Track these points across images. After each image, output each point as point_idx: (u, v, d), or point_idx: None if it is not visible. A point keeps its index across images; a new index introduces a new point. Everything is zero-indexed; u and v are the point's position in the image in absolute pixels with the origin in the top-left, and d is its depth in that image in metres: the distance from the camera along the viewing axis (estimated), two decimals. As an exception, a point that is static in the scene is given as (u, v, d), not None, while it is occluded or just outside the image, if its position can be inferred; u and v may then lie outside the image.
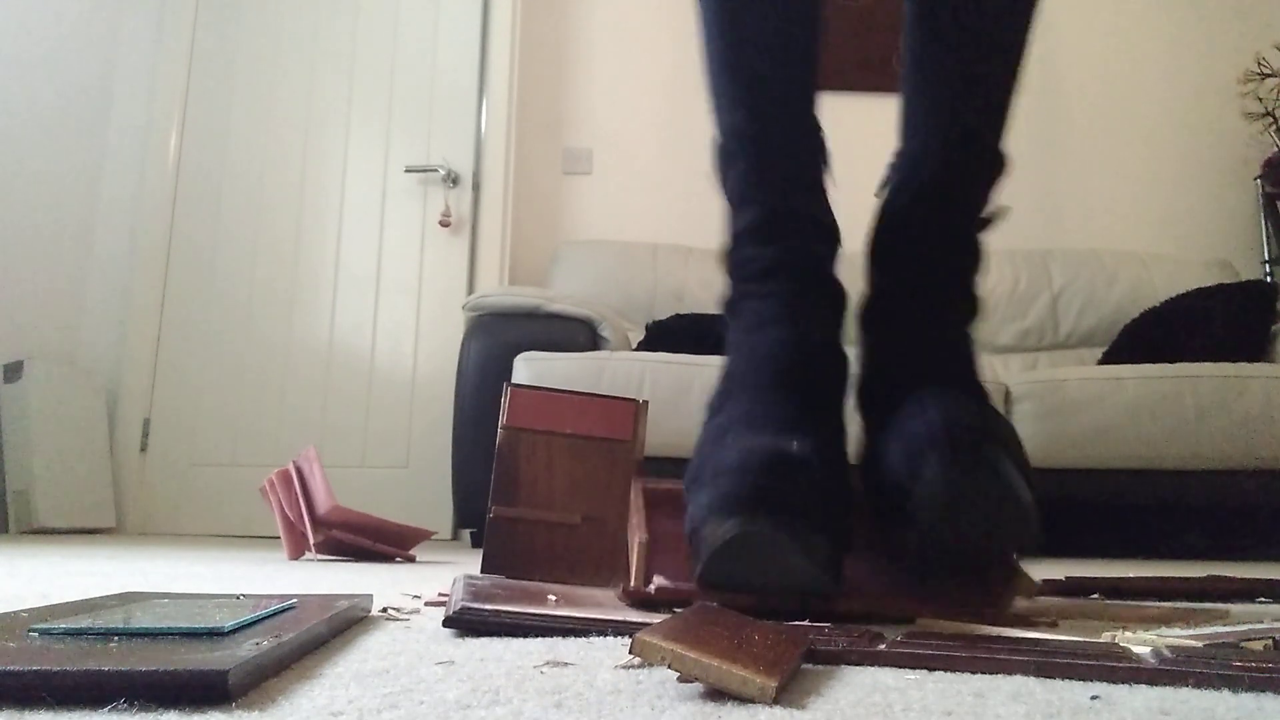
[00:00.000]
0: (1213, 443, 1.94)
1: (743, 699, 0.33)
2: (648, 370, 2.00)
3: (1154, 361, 2.11)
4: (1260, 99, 2.98)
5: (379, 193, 2.89)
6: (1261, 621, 0.57)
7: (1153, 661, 0.38)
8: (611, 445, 0.86)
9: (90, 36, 2.82)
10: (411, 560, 1.44)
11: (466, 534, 2.65)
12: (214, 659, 0.32)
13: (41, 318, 2.63)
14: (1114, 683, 0.37)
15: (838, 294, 0.72)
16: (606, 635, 0.50)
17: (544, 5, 3.09)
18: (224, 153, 2.92)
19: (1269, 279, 2.82)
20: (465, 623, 0.50)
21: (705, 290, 2.67)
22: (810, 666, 0.41)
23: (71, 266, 2.75)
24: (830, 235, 0.73)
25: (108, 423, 2.67)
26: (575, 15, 3.10)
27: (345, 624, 0.52)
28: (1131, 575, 0.92)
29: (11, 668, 0.30)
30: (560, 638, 0.49)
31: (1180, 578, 0.85)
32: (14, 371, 2.40)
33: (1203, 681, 0.36)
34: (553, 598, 0.59)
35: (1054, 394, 2.01)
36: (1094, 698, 0.34)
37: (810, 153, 0.73)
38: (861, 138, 2.88)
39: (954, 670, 0.40)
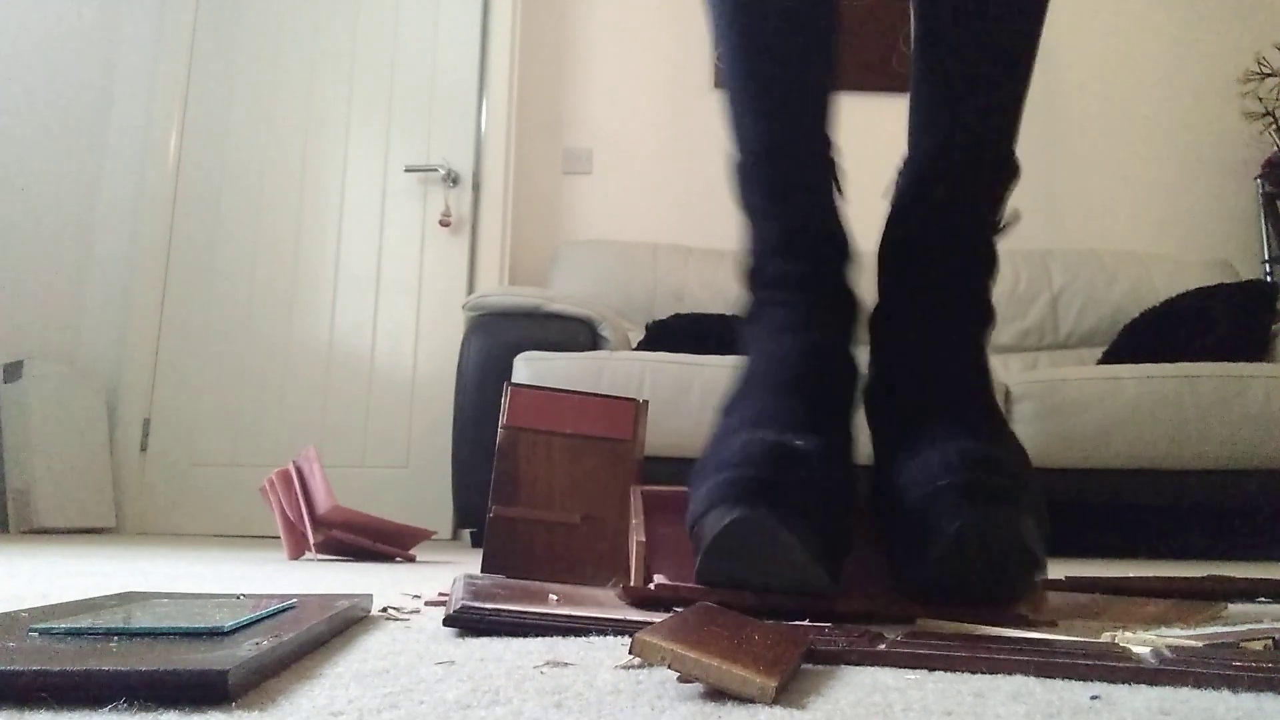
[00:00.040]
0: (1213, 443, 1.94)
1: (743, 699, 0.33)
2: (648, 370, 2.00)
3: (1154, 361, 2.10)
4: (1260, 99, 2.98)
5: (379, 192, 2.89)
6: (1261, 621, 0.57)
7: (1153, 661, 0.38)
8: (612, 445, 0.86)
9: (90, 36, 2.82)
10: (411, 560, 1.44)
11: (466, 534, 2.65)
12: (214, 659, 0.32)
13: (41, 318, 2.63)
14: (1114, 683, 0.37)
15: (851, 303, 0.73)
16: (606, 635, 0.50)
17: (544, 5, 3.09)
18: (224, 153, 2.92)
19: (1269, 279, 2.82)
20: (465, 621, 0.50)
21: (705, 290, 2.67)
22: (810, 666, 0.41)
23: (71, 266, 2.75)
24: (845, 249, 0.74)
25: (108, 422, 2.67)
26: (575, 15, 3.10)
27: (345, 624, 0.52)
28: (1131, 575, 0.92)
29: (11, 668, 0.30)
30: (560, 637, 0.49)
31: (1180, 578, 0.85)
32: (14, 371, 2.40)
33: (1203, 681, 0.36)
34: (553, 597, 0.59)
35: (1054, 394, 2.01)
36: (1094, 698, 0.34)
37: (825, 168, 0.73)
38: (861, 137, 2.88)
39: (954, 670, 0.40)
